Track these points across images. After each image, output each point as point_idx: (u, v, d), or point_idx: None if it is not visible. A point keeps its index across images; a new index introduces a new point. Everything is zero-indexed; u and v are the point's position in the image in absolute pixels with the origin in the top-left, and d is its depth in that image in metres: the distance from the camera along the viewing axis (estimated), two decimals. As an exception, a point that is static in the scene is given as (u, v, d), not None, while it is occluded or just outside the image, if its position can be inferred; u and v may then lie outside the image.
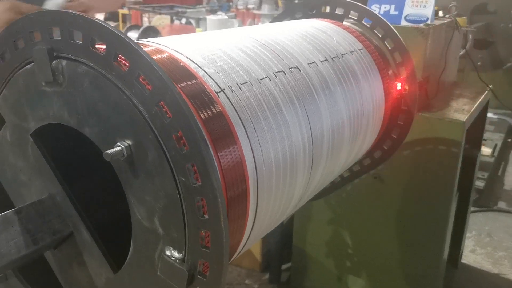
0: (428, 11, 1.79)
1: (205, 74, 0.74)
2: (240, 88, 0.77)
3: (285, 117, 0.84)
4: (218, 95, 0.73)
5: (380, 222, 2.10)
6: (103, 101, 0.64)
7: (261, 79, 0.83)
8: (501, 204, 3.66)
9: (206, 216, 0.60)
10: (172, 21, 8.28)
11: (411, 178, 1.97)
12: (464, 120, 1.84)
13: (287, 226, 2.44)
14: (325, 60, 1.04)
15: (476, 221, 3.32)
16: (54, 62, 0.67)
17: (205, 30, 6.19)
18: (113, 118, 0.64)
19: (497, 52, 4.24)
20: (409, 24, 1.80)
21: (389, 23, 1.28)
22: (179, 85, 0.67)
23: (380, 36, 1.33)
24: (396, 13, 1.82)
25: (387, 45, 1.33)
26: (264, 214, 0.82)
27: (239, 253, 0.82)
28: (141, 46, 0.72)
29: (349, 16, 1.36)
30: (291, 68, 0.92)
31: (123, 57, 0.61)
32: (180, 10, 8.34)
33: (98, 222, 0.76)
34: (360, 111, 1.12)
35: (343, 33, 1.24)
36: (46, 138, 0.75)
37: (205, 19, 7.85)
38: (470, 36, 3.28)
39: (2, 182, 0.80)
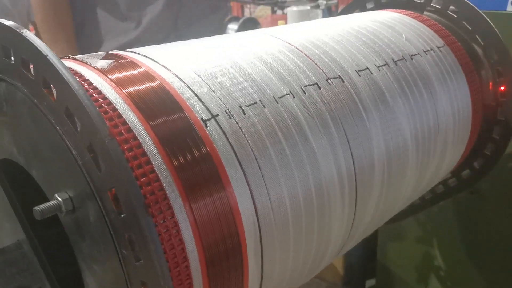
0: (543, -8, 1.44)
1: (192, 96, 0.56)
2: (243, 112, 0.58)
3: (311, 146, 0.63)
4: (206, 124, 0.54)
5: (478, 243, 1.79)
6: (41, 138, 0.49)
7: (280, 97, 0.63)
8: None
9: (155, 308, 0.43)
10: (273, 11, 8.11)
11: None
12: None
13: (371, 239, 2.19)
14: (384, 65, 0.81)
15: None
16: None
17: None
18: (53, 161, 0.49)
19: None
20: (518, 10, 1.47)
21: (478, 9, 1.01)
22: (144, 116, 0.50)
23: (470, 28, 1.06)
24: (501, -4, 1.49)
25: (479, 40, 1.05)
26: (279, 273, 0.63)
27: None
28: (110, 59, 0.56)
29: (431, 4, 1.10)
30: (330, 79, 0.71)
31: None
32: (280, 0, 8.13)
33: (68, 277, 0.62)
34: (433, 126, 0.87)
35: (418, 26, 0.99)
36: (11, 173, 0.62)
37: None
38: None
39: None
